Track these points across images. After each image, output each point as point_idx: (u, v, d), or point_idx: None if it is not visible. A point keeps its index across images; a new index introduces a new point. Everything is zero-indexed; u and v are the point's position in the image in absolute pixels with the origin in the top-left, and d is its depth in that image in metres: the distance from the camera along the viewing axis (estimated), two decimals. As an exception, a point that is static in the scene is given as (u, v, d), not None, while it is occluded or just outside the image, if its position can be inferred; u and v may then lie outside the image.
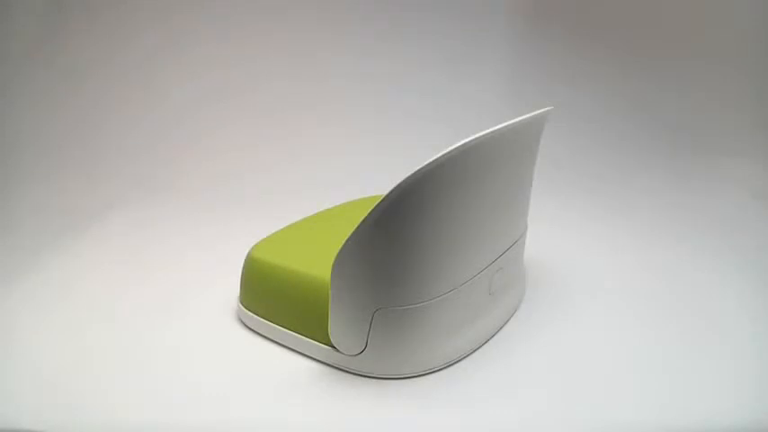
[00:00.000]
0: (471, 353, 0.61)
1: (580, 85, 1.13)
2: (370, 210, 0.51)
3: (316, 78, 1.14)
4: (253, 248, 0.66)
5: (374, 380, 0.57)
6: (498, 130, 0.54)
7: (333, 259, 0.55)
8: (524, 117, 0.58)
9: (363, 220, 0.52)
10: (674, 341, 0.63)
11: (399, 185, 0.50)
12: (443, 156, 0.50)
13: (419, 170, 0.50)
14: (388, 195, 0.51)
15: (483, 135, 0.52)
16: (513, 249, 0.65)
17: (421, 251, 0.54)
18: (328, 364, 0.59)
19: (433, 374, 0.58)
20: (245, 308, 0.65)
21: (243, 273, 0.66)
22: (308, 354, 0.60)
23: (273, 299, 0.63)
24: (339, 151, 1.08)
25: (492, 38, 1.14)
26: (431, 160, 0.50)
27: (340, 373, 0.58)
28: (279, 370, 0.58)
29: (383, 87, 1.12)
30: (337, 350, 0.57)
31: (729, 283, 0.74)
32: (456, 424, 0.52)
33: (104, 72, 1.03)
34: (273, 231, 0.70)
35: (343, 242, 0.53)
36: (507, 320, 0.66)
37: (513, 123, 0.57)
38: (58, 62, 1.00)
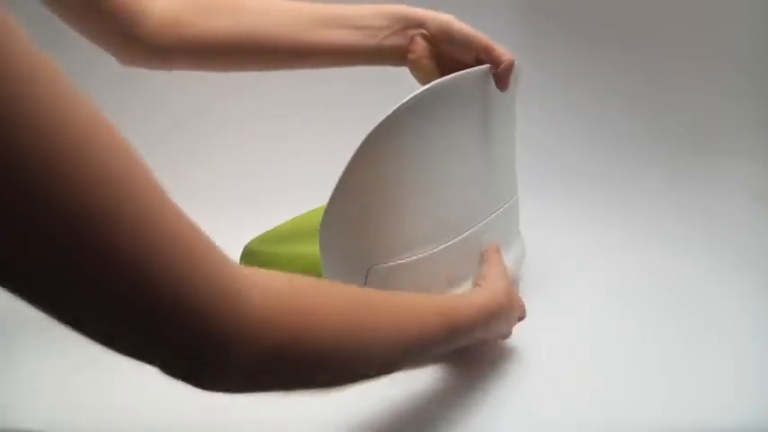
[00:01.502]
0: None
1: (580, 84, 1.13)
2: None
3: (315, 78, 1.13)
4: (248, 243, 0.66)
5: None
6: (463, 74, 0.55)
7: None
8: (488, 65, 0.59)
9: (343, 173, 0.52)
10: (674, 341, 0.63)
11: (373, 130, 0.51)
12: (411, 99, 0.51)
13: (390, 115, 0.51)
14: (361, 144, 0.51)
15: (448, 78, 0.54)
16: (505, 214, 0.65)
17: (403, 197, 0.54)
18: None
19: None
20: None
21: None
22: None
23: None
24: (339, 152, 1.08)
25: (491, 37, 1.14)
26: (398, 105, 0.51)
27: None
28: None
29: (383, 87, 1.12)
30: None
31: (729, 283, 0.74)
32: (456, 423, 0.52)
33: (103, 73, 1.03)
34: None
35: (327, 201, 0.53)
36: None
37: (481, 68, 0.57)
38: (58, 62, 1.00)
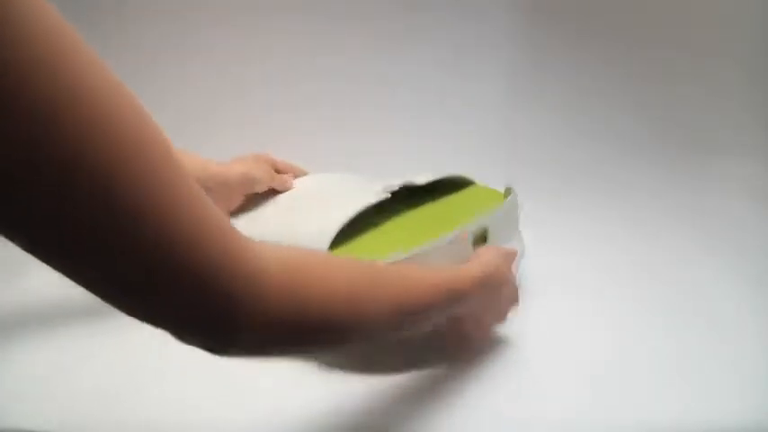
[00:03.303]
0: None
1: (580, 84, 1.13)
2: None
3: (315, 79, 1.14)
4: None
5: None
6: None
7: None
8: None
9: None
10: (673, 341, 0.63)
11: None
12: None
13: None
14: None
15: None
16: (503, 215, 0.67)
17: None
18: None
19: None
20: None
21: None
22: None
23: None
24: (338, 152, 1.08)
25: (493, 37, 1.14)
26: None
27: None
28: (281, 370, 0.58)
29: (382, 88, 1.12)
30: None
31: (729, 283, 0.74)
32: (455, 423, 0.52)
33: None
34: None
35: None
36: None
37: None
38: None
